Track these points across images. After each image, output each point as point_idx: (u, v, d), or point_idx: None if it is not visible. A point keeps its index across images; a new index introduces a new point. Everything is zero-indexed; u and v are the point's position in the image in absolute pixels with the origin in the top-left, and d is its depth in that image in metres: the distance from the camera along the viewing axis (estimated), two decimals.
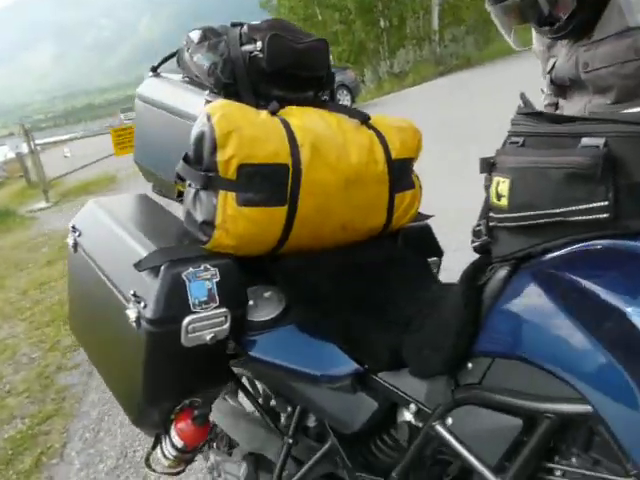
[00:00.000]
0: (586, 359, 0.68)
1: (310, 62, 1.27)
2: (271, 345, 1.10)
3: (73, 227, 1.30)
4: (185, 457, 1.17)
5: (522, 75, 2.93)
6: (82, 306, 1.32)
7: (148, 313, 0.99)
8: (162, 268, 1.00)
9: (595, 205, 0.70)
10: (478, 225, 0.90)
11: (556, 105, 1.60)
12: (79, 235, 1.27)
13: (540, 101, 1.60)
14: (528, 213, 0.77)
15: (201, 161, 1.04)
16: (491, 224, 0.85)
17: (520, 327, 0.79)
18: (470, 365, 0.88)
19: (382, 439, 1.05)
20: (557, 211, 0.73)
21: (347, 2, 16.30)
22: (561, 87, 1.48)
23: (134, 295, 1.02)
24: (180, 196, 1.19)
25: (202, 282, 1.03)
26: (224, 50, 1.22)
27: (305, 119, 1.14)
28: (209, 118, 1.01)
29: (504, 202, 0.80)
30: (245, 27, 1.25)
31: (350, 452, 1.08)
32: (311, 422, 1.16)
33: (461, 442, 0.86)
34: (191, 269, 1.02)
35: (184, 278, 1.01)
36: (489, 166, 0.83)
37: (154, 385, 1.04)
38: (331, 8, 17.03)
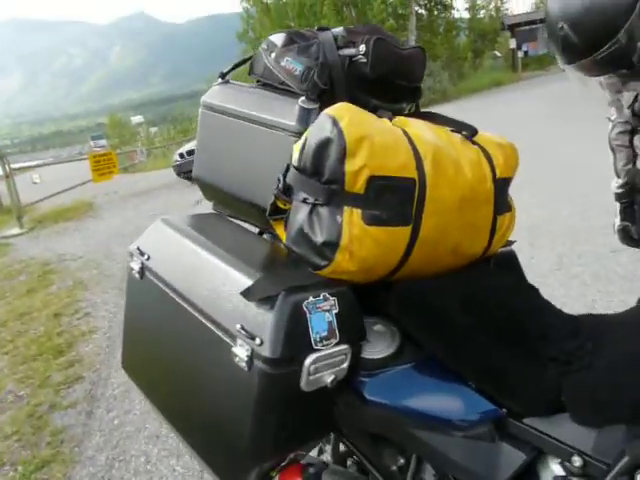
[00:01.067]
0: None
1: (410, 71, 1.16)
2: (390, 386, 0.95)
3: (139, 249, 1.13)
4: None
5: (498, 110, 2.93)
6: (150, 342, 1.13)
7: (266, 351, 0.83)
8: (279, 297, 0.85)
9: None
10: None
11: (631, 131, 1.55)
12: (147, 259, 1.11)
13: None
14: None
15: (321, 171, 0.90)
16: None
17: None
18: None
19: None
20: None
21: None
22: None
23: (243, 330, 0.86)
24: (275, 213, 1.03)
25: (322, 314, 0.88)
26: (318, 54, 1.10)
27: (420, 130, 1.02)
28: (335, 122, 0.88)
29: None
30: (342, 30, 1.14)
31: None
32: (429, 476, 1.00)
33: None
34: (311, 298, 0.87)
35: (305, 309, 0.86)
36: None
37: (263, 436, 0.87)
38: None
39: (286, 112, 1.09)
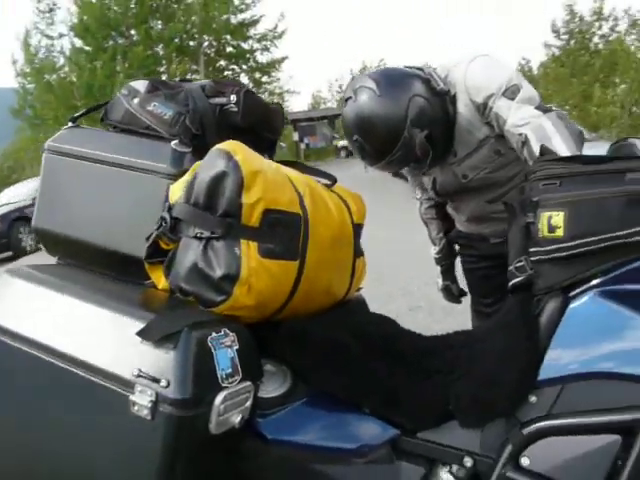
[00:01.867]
0: None
1: (274, 124, 1.24)
2: (289, 424, 0.93)
3: None
4: None
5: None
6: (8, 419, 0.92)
7: (174, 393, 0.75)
8: (182, 334, 0.79)
9: None
10: (519, 262, 0.95)
11: (436, 205, 1.84)
12: None
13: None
14: (588, 239, 0.85)
15: (216, 205, 0.89)
16: (535, 258, 0.91)
17: (596, 341, 0.84)
18: (534, 399, 0.88)
19: None
20: (618, 234, 0.83)
21: None
22: (446, 195, 1.71)
23: (141, 374, 0.77)
24: (151, 257, 0.97)
25: (225, 350, 0.84)
26: (187, 101, 1.12)
27: (293, 173, 1.08)
28: (230, 156, 0.89)
29: (559, 233, 0.87)
30: (209, 81, 1.18)
31: None
32: None
33: (548, 479, 0.84)
34: (214, 334, 0.83)
35: (210, 345, 0.81)
36: (533, 204, 0.91)
37: None
38: None
39: (156, 155, 1.07)
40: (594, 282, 0.87)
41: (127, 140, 1.13)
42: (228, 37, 17.85)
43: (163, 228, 0.92)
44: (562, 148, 1.22)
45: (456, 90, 1.46)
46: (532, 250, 0.92)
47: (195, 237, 0.90)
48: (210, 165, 0.90)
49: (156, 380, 0.76)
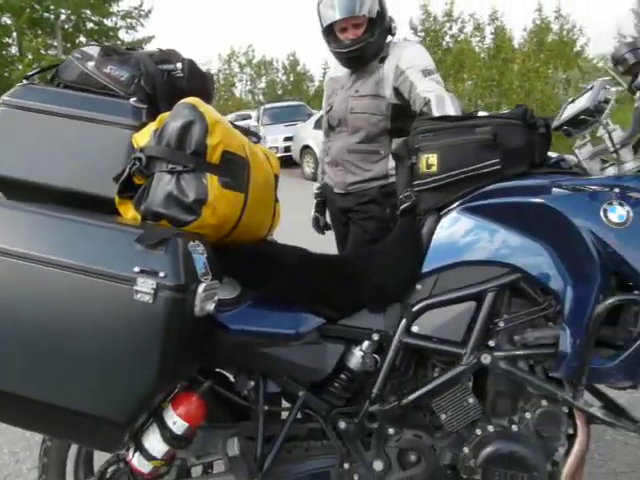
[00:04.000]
0: (511, 241, 1.17)
1: (211, 89, 1.49)
2: (244, 317, 1.21)
3: None
4: (181, 444, 1.10)
5: None
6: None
7: (171, 280, 1.00)
8: (171, 240, 1.04)
9: (493, 161, 1.22)
10: (405, 192, 1.31)
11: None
12: None
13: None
14: (454, 172, 1.23)
15: (185, 146, 1.13)
16: (417, 188, 1.28)
17: (458, 242, 1.23)
18: (419, 286, 1.26)
19: (348, 376, 1.28)
20: (472, 167, 1.22)
21: None
22: (332, 123, 2.09)
23: (142, 271, 1.01)
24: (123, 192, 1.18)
25: (199, 256, 1.10)
26: (139, 65, 1.33)
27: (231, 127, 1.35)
28: (195, 108, 1.14)
29: (434, 169, 1.25)
30: (156, 49, 1.39)
31: (323, 397, 1.26)
32: (274, 388, 1.28)
33: (429, 338, 1.22)
34: (191, 242, 1.08)
35: (189, 249, 1.07)
36: (415, 150, 1.28)
37: (167, 364, 1.02)
38: None
39: (118, 110, 1.27)
40: (457, 202, 1.26)
41: (85, 97, 1.31)
42: (88, 12, 16.77)
43: (139, 165, 1.14)
44: (452, 113, 1.68)
45: (390, 54, 1.94)
46: (415, 183, 1.29)
47: (169, 171, 1.13)
48: (179, 115, 1.14)
49: (155, 273, 1.00)
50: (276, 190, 1.50)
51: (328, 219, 2.33)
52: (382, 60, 1.94)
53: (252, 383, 1.27)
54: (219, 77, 24.11)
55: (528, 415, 1.22)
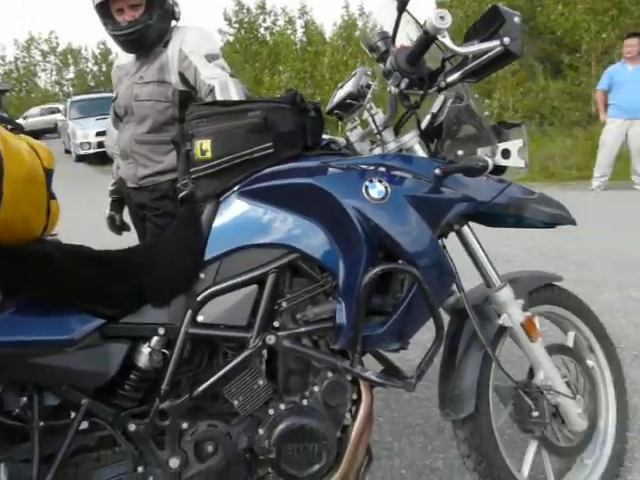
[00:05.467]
0: (287, 222, 1.21)
1: None
2: (6, 327, 1.07)
3: None
4: None
5: None
6: None
7: None
8: None
9: (265, 145, 1.24)
10: (183, 179, 1.27)
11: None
12: None
13: None
14: (227, 157, 1.23)
15: None
16: (194, 175, 1.25)
17: (238, 227, 1.23)
18: (202, 275, 1.23)
19: (138, 375, 1.20)
20: (245, 152, 1.23)
21: None
22: (119, 113, 1.99)
23: None
24: None
25: None
26: None
27: None
28: None
29: (208, 155, 1.23)
30: None
31: (112, 401, 1.18)
32: (53, 401, 1.16)
33: (215, 326, 1.20)
34: None
35: None
36: (190, 136, 1.24)
37: None
38: None
39: None
40: (235, 188, 1.25)
41: None
42: None
43: None
44: (236, 99, 1.68)
45: (173, 37, 1.88)
46: (192, 170, 1.26)
47: None
48: None
49: None
50: (49, 186, 1.35)
51: (126, 217, 2.19)
52: (166, 45, 1.87)
53: (24, 399, 1.13)
54: (17, 65, 21.56)
55: (317, 388, 1.27)
